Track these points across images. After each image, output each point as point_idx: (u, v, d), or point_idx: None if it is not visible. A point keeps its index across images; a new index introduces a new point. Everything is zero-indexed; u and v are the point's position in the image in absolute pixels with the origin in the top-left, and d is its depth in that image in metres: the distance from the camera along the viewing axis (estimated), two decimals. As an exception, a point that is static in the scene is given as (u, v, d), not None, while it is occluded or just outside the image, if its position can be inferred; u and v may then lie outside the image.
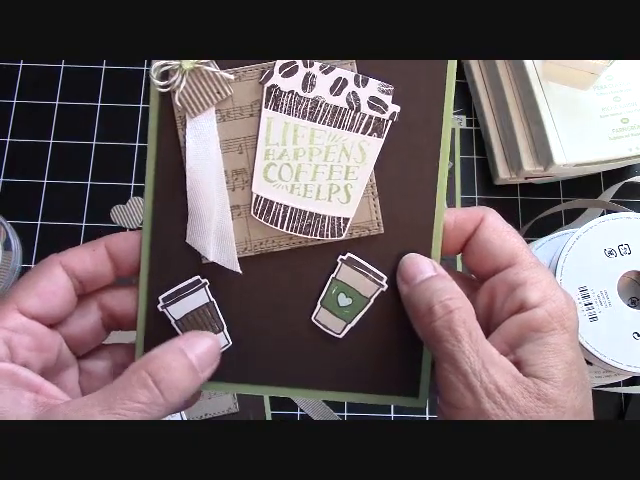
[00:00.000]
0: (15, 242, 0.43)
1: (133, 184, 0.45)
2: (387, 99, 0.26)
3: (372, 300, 0.26)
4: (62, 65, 0.48)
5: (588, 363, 0.36)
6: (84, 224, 0.44)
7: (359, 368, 0.27)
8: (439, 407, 0.24)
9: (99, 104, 0.47)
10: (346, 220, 0.26)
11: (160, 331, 0.26)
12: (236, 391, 0.29)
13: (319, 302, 0.27)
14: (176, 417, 0.39)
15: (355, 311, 0.27)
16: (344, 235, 0.26)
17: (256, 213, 0.26)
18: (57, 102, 0.47)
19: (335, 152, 0.25)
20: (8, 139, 0.46)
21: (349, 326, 0.27)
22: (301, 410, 0.41)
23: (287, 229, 0.26)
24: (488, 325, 0.24)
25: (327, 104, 0.26)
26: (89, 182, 0.45)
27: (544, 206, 0.45)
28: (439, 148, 0.26)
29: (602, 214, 0.44)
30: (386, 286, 0.26)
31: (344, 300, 0.27)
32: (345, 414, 0.41)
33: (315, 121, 0.26)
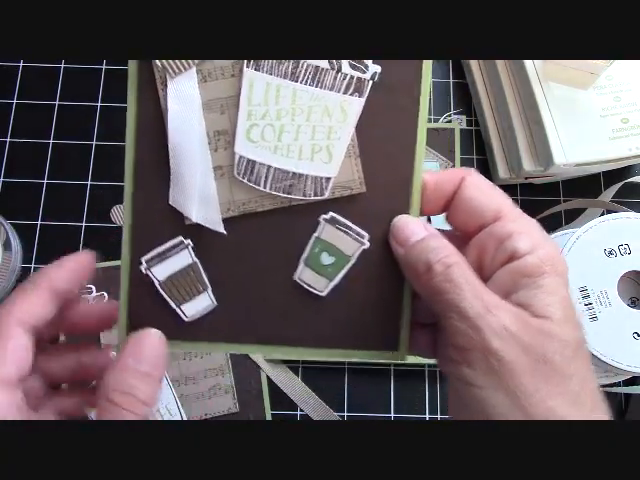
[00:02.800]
0: (15, 242, 0.43)
1: (133, 184, 0.45)
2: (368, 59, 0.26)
3: (354, 258, 0.27)
4: (62, 65, 0.48)
5: (588, 363, 0.36)
6: (84, 224, 0.44)
7: (342, 325, 0.27)
8: (445, 357, 0.24)
9: (99, 104, 0.47)
10: (328, 179, 0.26)
11: (144, 294, 0.26)
12: (222, 350, 0.29)
13: (302, 261, 0.27)
14: (176, 417, 0.39)
15: (338, 269, 0.27)
16: (327, 194, 0.26)
17: (239, 174, 0.26)
18: (57, 102, 0.47)
19: (317, 112, 0.26)
20: (8, 139, 0.46)
21: (332, 284, 0.27)
22: (301, 410, 0.41)
23: (270, 189, 0.26)
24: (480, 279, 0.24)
25: (308, 65, 0.26)
26: (89, 182, 0.45)
27: (544, 206, 0.45)
28: (418, 109, 0.26)
29: (602, 214, 0.44)
30: (367, 244, 0.27)
31: (327, 259, 0.27)
32: (345, 414, 0.41)
33: (297, 81, 0.26)
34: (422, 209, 0.27)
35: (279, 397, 0.41)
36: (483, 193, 0.25)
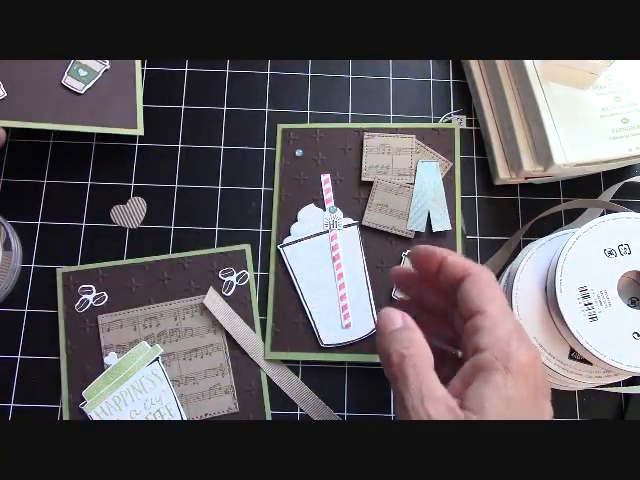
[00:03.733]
0: (15, 242, 0.43)
1: (133, 184, 0.45)
2: None
3: None
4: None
5: (588, 363, 0.36)
6: (84, 224, 0.44)
7: None
8: None
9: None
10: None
11: None
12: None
13: None
14: (176, 417, 0.39)
15: None
16: None
17: None
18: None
19: None
20: (8, 139, 0.46)
21: None
22: (301, 410, 0.41)
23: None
24: None
25: None
26: (89, 182, 0.45)
27: (544, 206, 0.45)
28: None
29: (602, 214, 0.44)
30: None
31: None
32: (345, 414, 0.41)
33: None
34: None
35: (279, 397, 0.41)
36: (475, 289, 0.28)
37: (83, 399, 0.40)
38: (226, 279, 0.43)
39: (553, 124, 0.40)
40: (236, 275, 0.43)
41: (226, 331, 0.42)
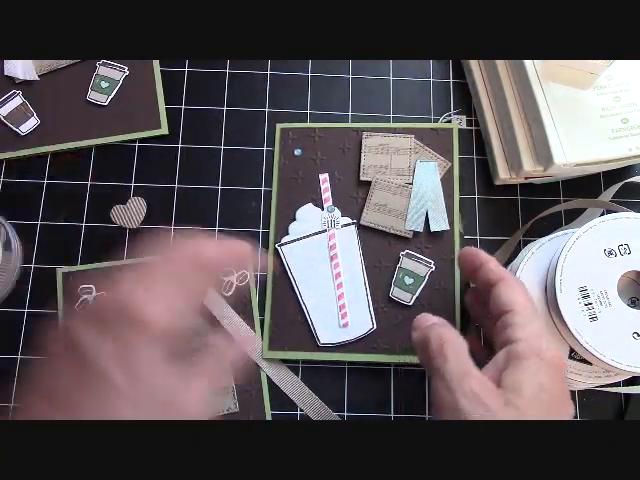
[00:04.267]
0: (15, 242, 0.43)
1: (133, 184, 0.45)
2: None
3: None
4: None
5: (588, 363, 0.36)
6: (84, 224, 0.44)
7: None
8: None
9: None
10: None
11: None
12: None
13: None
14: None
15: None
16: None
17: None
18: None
19: None
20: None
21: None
22: (301, 410, 0.41)
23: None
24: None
25: None
26: (89, 182, 0.45)
27: (544, 206, 0.45)
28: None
29: (602, 214, 0.44)
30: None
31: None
32: (345, 414, 0.41)
33: None
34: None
35: (279, 397, 0.41)
36: (508, 292, 0.31)
37: (83, 399, 0.40)
38: (226, 279, 0.43)
39: (553, 124, 0.40)
40: (236, 275, 0.43)
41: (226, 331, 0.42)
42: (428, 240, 0.43)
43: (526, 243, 0.43)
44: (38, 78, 0.46)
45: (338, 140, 0.45)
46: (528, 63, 0.41)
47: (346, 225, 0.44)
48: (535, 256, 0.38)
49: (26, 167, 0.45)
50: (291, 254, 0.43)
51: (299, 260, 0.43)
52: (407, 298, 0.42)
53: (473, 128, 0.47)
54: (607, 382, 0.37)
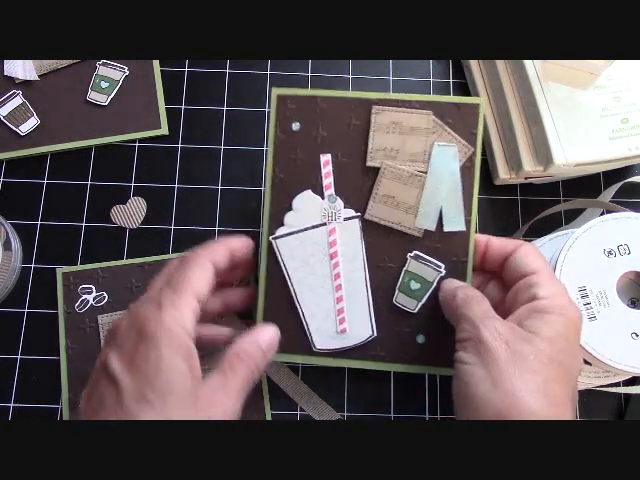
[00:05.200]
0: (15, 242, 0.43)
1: (133, 184, 0.45)
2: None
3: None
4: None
5: (587, 363, 0.36)
6: (84, 224, 0.44)
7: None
8: (453, 352, 0.32)
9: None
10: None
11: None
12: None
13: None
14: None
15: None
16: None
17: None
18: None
19: None
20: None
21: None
22: (301, 410, 0.41)
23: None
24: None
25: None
26: (89, 182, 0.45)
27: (544, 206, 0.45)
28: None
29: (602, 214, 0.44)
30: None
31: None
32: (345, 414, 0.41)
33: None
34: (484, 266, 0.37)
35: (279, 397, 0.41)
36: (529, 257, 0.33)
37: (83, 399, 0.40)
38: (226, 279, 0.43)
39: (553, 124, 0.40)
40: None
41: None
42: (439, 239, 0.37)
43: (526, 243, 0.43)
44: (38, 78, 0.46)
45: (343, 113, 0.38)
46: (528, 63, 0.41)
47: (349, 219, 0.38)
48: (535, 256, 0.38)
49: (26, 167, 0.45)
50: (286, 248, 0.38)
51: (295, 256, 0.38)
52: (412, 305, 0.37)
53: (473, 128, 0.47)
54: (607, 382, 0.37)
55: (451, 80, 0.48)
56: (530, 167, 0.41)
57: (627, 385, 0.41)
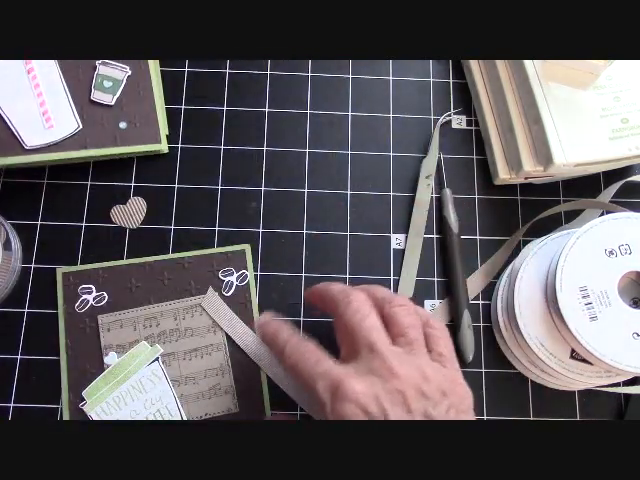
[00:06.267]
0: (15, 242, 0.43)
1: (133, 184, 0.45)
2: None
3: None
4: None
5: (589, 363, 0.36)
6: (84, 224, 0.44)
7: None
8: None
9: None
10: None
11: None
12: None
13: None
14: (176, 417, 0.39)
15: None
16: None
17: None
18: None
19: None
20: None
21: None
22: (301, 410, 0.41)
23: None
24: None
25: None
26: (89, 182, 0.45)
27: (544, 206, 0.45)
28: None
29: (602, 214, 0.44)
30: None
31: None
32: (345, 414, 0.41)
33: None
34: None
35: (279, 397, 0.41)
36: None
37: (83, 399, 0.40)
38: (226, 279, 0.43)
39: (553, 124, 0.40)
40: (236, 275, 0.43)
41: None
42: None
43: (526, 243, 0.43)
44: None
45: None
46: (528, 63, 0.41)
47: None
48: (537, 255, 0.38)
49: (26, 167, 0.45)
50: None
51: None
52: (109, 99, 0.45)
53: (473, 128, 0.47)
54: (608, 382, 0.37)
55: (451, 80, 0.48)
56: (530, 167, 0.41)
57: (627, 385, 0.41)
